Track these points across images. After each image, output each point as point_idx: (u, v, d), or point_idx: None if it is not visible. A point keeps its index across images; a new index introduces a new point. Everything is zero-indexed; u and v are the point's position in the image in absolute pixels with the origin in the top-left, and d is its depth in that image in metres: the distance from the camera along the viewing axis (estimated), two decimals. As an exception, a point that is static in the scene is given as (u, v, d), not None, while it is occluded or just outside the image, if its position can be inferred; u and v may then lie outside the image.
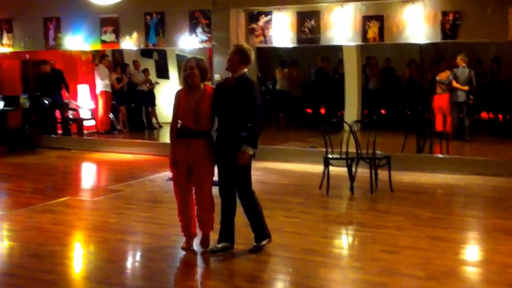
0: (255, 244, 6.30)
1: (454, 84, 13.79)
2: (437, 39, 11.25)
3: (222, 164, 6.27)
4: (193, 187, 6.35)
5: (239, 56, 6.20)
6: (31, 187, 10.15)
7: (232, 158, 6.09)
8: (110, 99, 16.47)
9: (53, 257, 6.28)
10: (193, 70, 6.16)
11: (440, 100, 13.99)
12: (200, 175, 6.25)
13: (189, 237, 6.49)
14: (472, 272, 5.89)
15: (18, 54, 15.60)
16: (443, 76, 14.01)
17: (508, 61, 16.23)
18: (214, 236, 6.46)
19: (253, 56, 6.29)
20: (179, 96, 6.31)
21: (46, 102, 15.03)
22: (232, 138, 6.12)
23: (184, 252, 6.42)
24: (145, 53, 18.25)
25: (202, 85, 6.26)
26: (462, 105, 14.02)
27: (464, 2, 10.91)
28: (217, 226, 6.43)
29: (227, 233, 6.33)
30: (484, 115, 17.14)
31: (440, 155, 11.81)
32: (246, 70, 6.24)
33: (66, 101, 15.60)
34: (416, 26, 11.23)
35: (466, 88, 13.79)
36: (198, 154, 6.20)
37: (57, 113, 15.66)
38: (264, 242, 6.30)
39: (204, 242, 6.45)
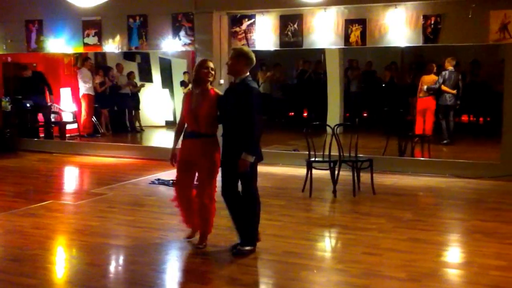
0: (239, 247, 6.31)
1: (443, 87, 13.87)
2: (419, 42, 11.31)
3: (225, 169, 6.30)
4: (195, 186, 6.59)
5: (242, 59, 6.24)
6: (12, 191, 10.02)
7: (233, 164, 6.14)
8: (92, 102, 16.39)
9: (35, 261, 6.24)
10: (212, 71, 6.42)
11: (425, 103, 14.04)
12: (200, 174, 6.45)
13: (193, 229, 6.73)
14: (453, 273, 5.94)
15: (0, 56, 15.48)
16: (429, 80, 14.07)
17: (488, 63, 16.38)
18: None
19: (254, 58, 6.32)
20: (185, 98, 6.55)
21: (28, 105, 14.95)
22: (233, 143, 6.17)
23: (167, 255, 6.45)
24: (128, 56, 18.22)
25: (209, 87, 6.44)
26: (449, 108, 14.12)
27: (445, 6, 10.98)
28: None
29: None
30: (464, 117, 17.29)
31: (421, 158, 11.90)
32: (248, 73, 6.26)
33: (48, 104, 15.53)
34: (398, 29, 11.29)
35: (454, 91, 13.89)
36: (198, 153, 6.38)
37: (39, 116, 15.58)
38: (247, 248, 6.29)
39: (200, 240, 6.57)
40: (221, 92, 6.52)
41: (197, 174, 6.52)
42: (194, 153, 6.39)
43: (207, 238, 6.57)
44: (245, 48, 6.52)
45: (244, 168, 6.08)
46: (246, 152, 6.05)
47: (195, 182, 6.60)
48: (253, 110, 6.07)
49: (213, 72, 6.41)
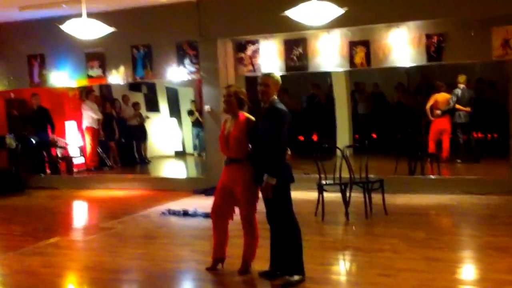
0: (287, 277, 6.08)
1: (458, 106, 13.80)
2: (423, 61, 11.35)
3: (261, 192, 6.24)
4: (234, 213, 6.59)
5: (277, 85, 6.23)
6: (20, 230, 9.82)
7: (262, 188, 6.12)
8: (97, 135, 16.23)
9: (45, 300, 6.12)
10: (230, 98, 6.41)
11: (441, 124, 13.98)
12: (238, 200, 6.41)
13: (214, 259, 6.61)
14: (469, 291, 5.88)
15: (2, 93, 15.28)
16: (442, 98, 14.00)
17: (494, 81, 16.34)
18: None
19: (280, 81, 6.30)
20: (222, 125, 6.63)
21: (33, 141, 14.86)
22: (260, 166, 6.09)
23: (181, 287, 6.38)
24: (134, 86, 18.22)
25: (238, 112, 6.46)
26: (462, 126, 14.07)
27: (447, 24, 11.02)
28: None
29: (274, 259, 6.32)
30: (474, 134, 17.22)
31: (432, 176, 11.86)
32: (275, 97, 6.20)
33: (54, 139, 15.47)
34: (402, 49, 11.33)
35: (468, 109, 13.84)
36: (233, 179, 6.38)
37: (45, 152, 15.43)
38: (296, 278, 6.07)
39: (242, 268, 6.48)
40: (251, 117, 6.46)
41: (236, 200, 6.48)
42: (230, 179, 6.40)
43: (250, 266, 6.48)
44: (272, 73, 6.42)
45: (266, 192, 5.98)
46: (268, 174, 5.96)
47: (234, 212, 6.58)
48: (277, 130, 5.98)
49: (232, 99, 6.40)
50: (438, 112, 13.96)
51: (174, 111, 19.99)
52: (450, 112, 13.92)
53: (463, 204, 10.14)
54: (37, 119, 15.10)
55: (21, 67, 14.43)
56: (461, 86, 13.81)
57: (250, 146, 6.37)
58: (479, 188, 10.75)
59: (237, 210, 6.51)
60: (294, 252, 6.13)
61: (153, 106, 19.23)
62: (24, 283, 6.71)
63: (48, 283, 6.69)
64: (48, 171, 15.32)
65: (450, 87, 14.23)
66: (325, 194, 9.22)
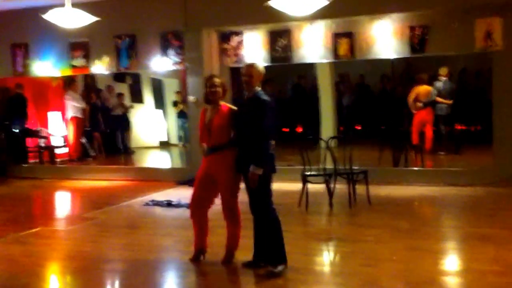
0: (270, 268, 6.07)
1: (438, 99, 13.87)
2: (406, 53, 11.40)
3: (245, 183, 6.22)
4: (213, 203, 6.55)
5: (261, 75, 6.20)
6: (1, 218, 9.72)
7: (246, 177, 6.09)
8: (81, 124, 16.15)
9: (26, 290, 6.06)
10: (217, 88, 6.32)
11: (423, 115, 14.03)
12: (220, 190, 6.35)
13: (196, 250, 6.57)
14: (451, 281, 5.89)
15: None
16: (423, 90, 14.06)
17: (477, 72, 16.42)
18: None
19: (264, 71, 6.27)
20: (200, 115, 6.51)
21: (16, 130, 14.77)
22: (245, 157, 6.06)
23: (162, 277, 6.37)
24: (118, 77, 18.13)
25: (220, 103, 6.38)
26: (444, 118, 14.14)
27: (431, 16, 11.08)
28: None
29: (257, 249, 6.30)
30: (456, 126, 17.29)
31: (415, 168, 11.93)
32: (259, 88, 6.18)
33: (37, 128, 15.34)
34: (386, 41, 11.38)
35: (449, 102, 13.90)
36: (217, 167, 6.30)
37: (28, 141, 15.31)
38: (280, 268, 6.05)
39: (225, 258, 6.46)
40: (234, 107, 6.41)
41: (219, 194, 6.41)
42: (213, 167, 6.32)
43: (233, 255, 6.46)
44: (257, 63, 6.35)
45: (253, 182, 5.97)
46: (254, 165, 5.94)
47: (213, 202, 6.55)
48: (264, 121, 5.96)
49: (219, 90, 6.32)
50: (420, 104, 14.02)
51: (159, 102, 19.93)
52: (432, 104, 13.98)
53: (446, 195, 10.23)
54: (15, 105, 14.95)
55: (4, 56, 14.29)
56: (443, 78, 13.90)
57: (233, 134, 6.33)
58: (462, 179, 10.86)
59: (217, 200, 6.49)
60: (275, 242, 6.13)
61: (138, 97, 19.17)
62: (5, 272, 6.64)
63: (30, 272, 6.62)
64: (31, 160, 15.20)
65: (433, 79, 14.29)
66: (309, 185, 9.25)
